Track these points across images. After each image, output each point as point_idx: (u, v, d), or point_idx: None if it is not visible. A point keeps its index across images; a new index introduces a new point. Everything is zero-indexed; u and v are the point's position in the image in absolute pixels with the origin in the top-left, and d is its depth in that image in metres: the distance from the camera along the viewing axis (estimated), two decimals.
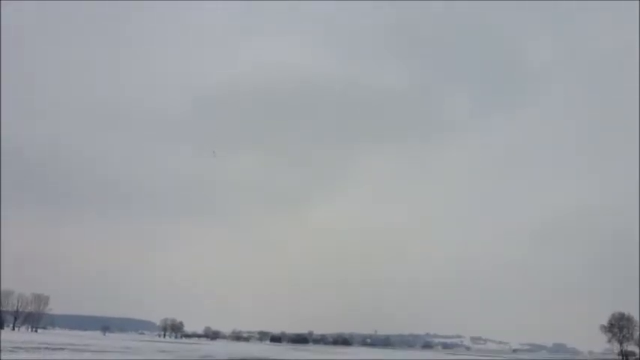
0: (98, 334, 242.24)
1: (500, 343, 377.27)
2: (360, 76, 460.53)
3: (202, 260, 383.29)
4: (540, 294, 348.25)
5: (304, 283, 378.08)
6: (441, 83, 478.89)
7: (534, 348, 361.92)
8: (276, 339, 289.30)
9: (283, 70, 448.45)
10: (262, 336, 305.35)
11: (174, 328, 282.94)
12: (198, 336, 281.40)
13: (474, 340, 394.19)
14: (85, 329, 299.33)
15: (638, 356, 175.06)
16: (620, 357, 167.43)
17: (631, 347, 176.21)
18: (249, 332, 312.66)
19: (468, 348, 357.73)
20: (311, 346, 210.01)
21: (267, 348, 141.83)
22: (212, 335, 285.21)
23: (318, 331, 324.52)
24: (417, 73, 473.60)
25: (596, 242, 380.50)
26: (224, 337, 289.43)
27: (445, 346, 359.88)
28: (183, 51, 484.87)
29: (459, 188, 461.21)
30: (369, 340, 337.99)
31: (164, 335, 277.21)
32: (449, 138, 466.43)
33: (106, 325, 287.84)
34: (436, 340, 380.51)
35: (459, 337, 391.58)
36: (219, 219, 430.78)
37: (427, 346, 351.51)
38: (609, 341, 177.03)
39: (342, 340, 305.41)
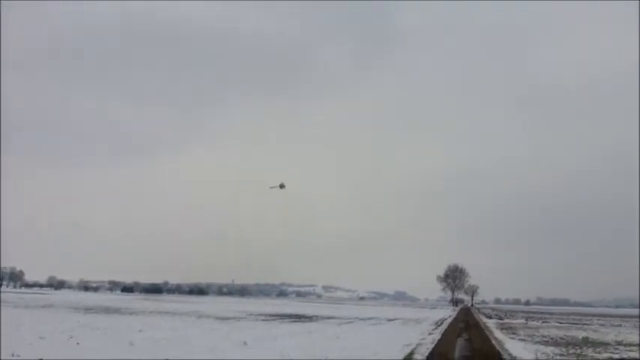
0: None
1: (348, 291, 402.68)
2: (241, 23, 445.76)
3: (49, 206, 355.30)
4: (389, 246, 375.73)
5: (161, 231, 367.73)
6: (323, 35, 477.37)
7: (378, 296, 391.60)
8: (127, 289, 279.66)
9: (163, 10, 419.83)
10: (113, 286, 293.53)
11: (13, 278, 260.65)
12: (41, 286, 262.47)
13: (326, 288, 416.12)
14: None
15: (465, 302, 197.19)
16: (452, 303, 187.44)
17: (461, 295, 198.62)
18: (98, 282, 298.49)
19: (319, 296, 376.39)
20: (164, 296, 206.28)
21: (115, 298, 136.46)
22: (57, 285, 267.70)
23: (174, 280, 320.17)
24: (298, 23, 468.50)
25: (450, 199, 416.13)
26: (70, 286, 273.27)
27: (299, 294, 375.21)
28: None
29: (336, 142, 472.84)
30: (225, 290, 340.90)
31: (0, 285, 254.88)
32: (330, 91, 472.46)
33: None
34: (290, 289, 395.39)
35: (312, 285, 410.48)
36: (67, 161, 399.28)
37: (282, 294, 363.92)
38: (443, 290, 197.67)
39: (198, 290, 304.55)
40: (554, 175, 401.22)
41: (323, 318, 58.35)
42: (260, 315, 59.98)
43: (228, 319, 49.80)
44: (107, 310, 57.76)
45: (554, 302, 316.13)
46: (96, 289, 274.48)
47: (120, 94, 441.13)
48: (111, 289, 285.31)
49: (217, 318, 50.36)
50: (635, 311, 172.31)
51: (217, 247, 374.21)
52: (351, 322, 52.48)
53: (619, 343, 33.91)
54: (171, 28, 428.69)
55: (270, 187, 71.14)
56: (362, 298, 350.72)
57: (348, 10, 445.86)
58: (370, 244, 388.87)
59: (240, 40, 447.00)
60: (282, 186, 69.60)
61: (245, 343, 25.36)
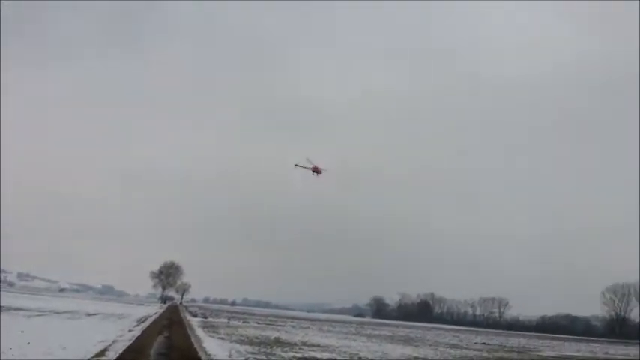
0: None
1: (48, 281, 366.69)
2: None
3: None
4: (99, 238, 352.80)
5: None
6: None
7: (83, 288, 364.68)
8: None
9: None
10: None
11: None
12: None
13: (21, 276, 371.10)
14: None
15: (175, 300, 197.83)
16: (161, 300, 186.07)
17: (172, 293, 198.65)
18: None
19: (11, 284, 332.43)
20: None
21: None
22: None
23: None
24: None
25: (170, 198, 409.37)
26: None
27: None
28: None
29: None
30: None
31: None
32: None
33: None
34: None
35: (3, 272, 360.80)
36: None
37: None
38: (154, 286, 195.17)
39: None
40: (272, 185, 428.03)
41: (10, 309, 51.63)
42: None
43: None
44: None
45: (258, 304, 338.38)
46: None
47: None
48: None
49: None
50: (323, 316, 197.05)
51: None
52: (44, 314, 47.71)
53: (304, 344, 38.06)
54: None
55: (296, 166, 51.11)
56: (63, 290, 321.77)
57: None
58: (77, 234, 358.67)
59: None
60: (315, 171, 50.42)
61: None
